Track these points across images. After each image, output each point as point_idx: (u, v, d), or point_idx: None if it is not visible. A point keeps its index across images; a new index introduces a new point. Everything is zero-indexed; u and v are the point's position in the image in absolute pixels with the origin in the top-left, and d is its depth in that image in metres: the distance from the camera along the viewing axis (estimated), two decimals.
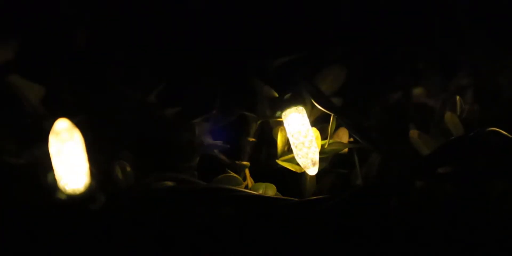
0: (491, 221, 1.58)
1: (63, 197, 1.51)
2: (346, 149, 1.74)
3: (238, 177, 1.66)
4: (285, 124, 1.66)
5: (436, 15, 2.12)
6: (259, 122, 1.77)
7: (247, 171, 1.71)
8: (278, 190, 1.65)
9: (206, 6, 2.08)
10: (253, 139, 1.76)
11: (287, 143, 1.69)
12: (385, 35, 2.18)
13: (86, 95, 1.76)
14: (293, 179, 1.70)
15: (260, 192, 1.64)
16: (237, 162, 1.72)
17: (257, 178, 1.71)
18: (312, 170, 1.63)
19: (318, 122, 1.74)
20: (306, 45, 1.85)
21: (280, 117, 1.68)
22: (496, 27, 2.05)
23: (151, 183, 1.61)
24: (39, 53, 1.81)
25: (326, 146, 1.71)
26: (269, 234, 1.56)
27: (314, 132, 1.67)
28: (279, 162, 1.68)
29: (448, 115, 1.70)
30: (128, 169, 1.60)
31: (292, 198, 1.57)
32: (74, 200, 1.51)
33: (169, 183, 1.61)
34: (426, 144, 1.70)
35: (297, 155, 1.63)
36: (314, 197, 1.57)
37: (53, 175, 1.50)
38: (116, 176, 1.59)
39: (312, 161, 1.63)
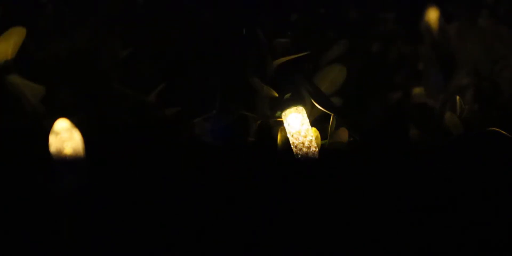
0: (491, 220, 1.58)
1: (62, 196, 1.51)
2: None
3: None
4: (285, 124, 1.66)
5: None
6: (259, 122, 1.77)
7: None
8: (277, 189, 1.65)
9: (206, 7, 2.09)
10: (253, 139, 1.77)
11: (287, 143, 1.68)
12: (384, 34, 2.18)
13: (86, 95, 1.76)
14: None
15: None
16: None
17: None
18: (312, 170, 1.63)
19: (318, 122, 1.74)
20: (306, 45, 1.85)
21: (280, 117, 1.67)
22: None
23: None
24: (39, 53, 1.81)
25: (326, 146, 1.70)
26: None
27: (314, 132, 1.67)
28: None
29: (448, 115, 1.70)
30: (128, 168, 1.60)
31: None
32: (73, 199, 1.51)
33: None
34: (426, 144, 1.70)
35: (297, 155, 1.63)
36: None
37: (53, 174, 1.50)
38: (116, 174, 1.59)
39: (311, 161, 1.63)
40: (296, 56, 1.77)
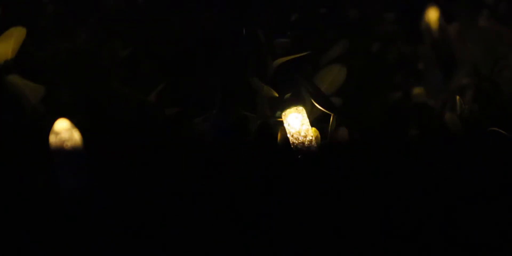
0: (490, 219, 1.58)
1: (62, 196, 1.51)
2: None
3: None
4: (285, 124, 1.66)
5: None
6: (259, 122, 1.77)
7: None
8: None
9: (206, 8, 2.09)
10: (253, 139, 1.77)
11: (287, 143, 1.69)
12: (384, 34, 2.18)
13: (86, 95, 1.76)
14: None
15: None
16: None
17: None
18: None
19: (318, 122, 1.74)
20: (306, 45, 1.85)
21: (280, 117, 1.67)
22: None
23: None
24: (39, 53, 1.81)
25: (326, 146, 1.70)
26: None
27: (314, 132, 1.67)
28: None
29: (448, 115, 1.70)
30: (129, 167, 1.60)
31: None
32: (73, 199, 1.51)
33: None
34: (426, 144, 1.70)
35: (297, 155, 1.64)
36: None
37: (53, 174, 1.50)
38: (116, 174, 1.59)
39: (311, 161, 1.63)
40: (296, 56, 1.77)
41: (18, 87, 1.63)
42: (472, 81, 1.99)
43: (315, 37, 2.00)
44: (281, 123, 1.68)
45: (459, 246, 1.56)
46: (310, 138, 1.64)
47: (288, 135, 1.65)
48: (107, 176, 1.61)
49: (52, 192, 1.53)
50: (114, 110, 1.74)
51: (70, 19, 1.99)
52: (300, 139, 1.63)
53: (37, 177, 1.58)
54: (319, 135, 1.69)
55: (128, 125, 1.73)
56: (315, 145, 1.64)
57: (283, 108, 1.66)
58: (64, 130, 1.49)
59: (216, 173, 1.67)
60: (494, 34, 2.01)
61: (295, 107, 1.65)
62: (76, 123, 1.51)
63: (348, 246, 1.56)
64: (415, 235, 1.57)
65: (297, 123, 1.64)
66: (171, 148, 1.72)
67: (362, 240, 1.57)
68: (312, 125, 1.66)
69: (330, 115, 1.69)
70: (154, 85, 1.78)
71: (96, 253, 1.53)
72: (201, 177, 1.67)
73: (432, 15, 2.15)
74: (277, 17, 2.11)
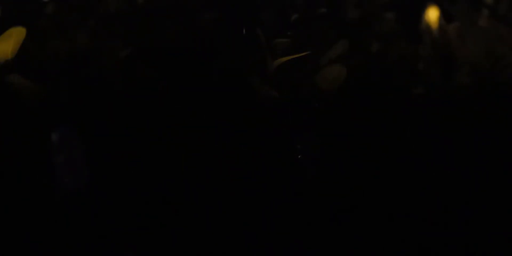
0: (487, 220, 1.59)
1: (62, 196, 1.51)
2: None
3: None
4: None
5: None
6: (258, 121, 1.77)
7: None
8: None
9: (207, 8, 2.09)
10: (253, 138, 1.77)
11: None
12: (384, 34, 2.18)
13: (86, 95, 1.76)
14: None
15: None
16: None
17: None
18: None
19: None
20: (306, 45, 1.85)
21: None
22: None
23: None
24: (39, 53, 1.81)
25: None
26: None
27: None
28: None
29: (447, 114, 1.70)
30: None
31: None
32: (72, 199, 1.51)
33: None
34: (426, 144, 1.70)
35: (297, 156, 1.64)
36: None
37: (53, 174, 1.50)
38: (116, 174, 1.59)
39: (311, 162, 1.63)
40: (296, 56, 1.77)
41: (18, 87, 1.63)
42: (472, 81, 2.00)
43: (315, 37, 2.00)
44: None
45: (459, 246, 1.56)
46: None
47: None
48: (107, 177, 1.61)
49: (51, 192, 1.54)
50: (114, 110, 1.74)
51: (70, 19, 1.99)
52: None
53: (36, 177, 1.59)
54: None
55: (128, 125, 1.74)
56: None
57: None
58: (63, 129, 1.49)
59: (216, 173, 1.67)
60: (494, 34, 2.01)
61: None
62: (76, 123, 1.51)
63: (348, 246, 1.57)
64: (415, 235, 1.58)
65: None
66: (171, 148, 1.72)
67: (362, 240, 1.57)
68: None
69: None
70: (154, 85, 1.78)
71: (96, 253, 1.53)
72: (201, 177, 1.68)
73: (432, 15, 2.15)
74: (277, 17, 2.12)
